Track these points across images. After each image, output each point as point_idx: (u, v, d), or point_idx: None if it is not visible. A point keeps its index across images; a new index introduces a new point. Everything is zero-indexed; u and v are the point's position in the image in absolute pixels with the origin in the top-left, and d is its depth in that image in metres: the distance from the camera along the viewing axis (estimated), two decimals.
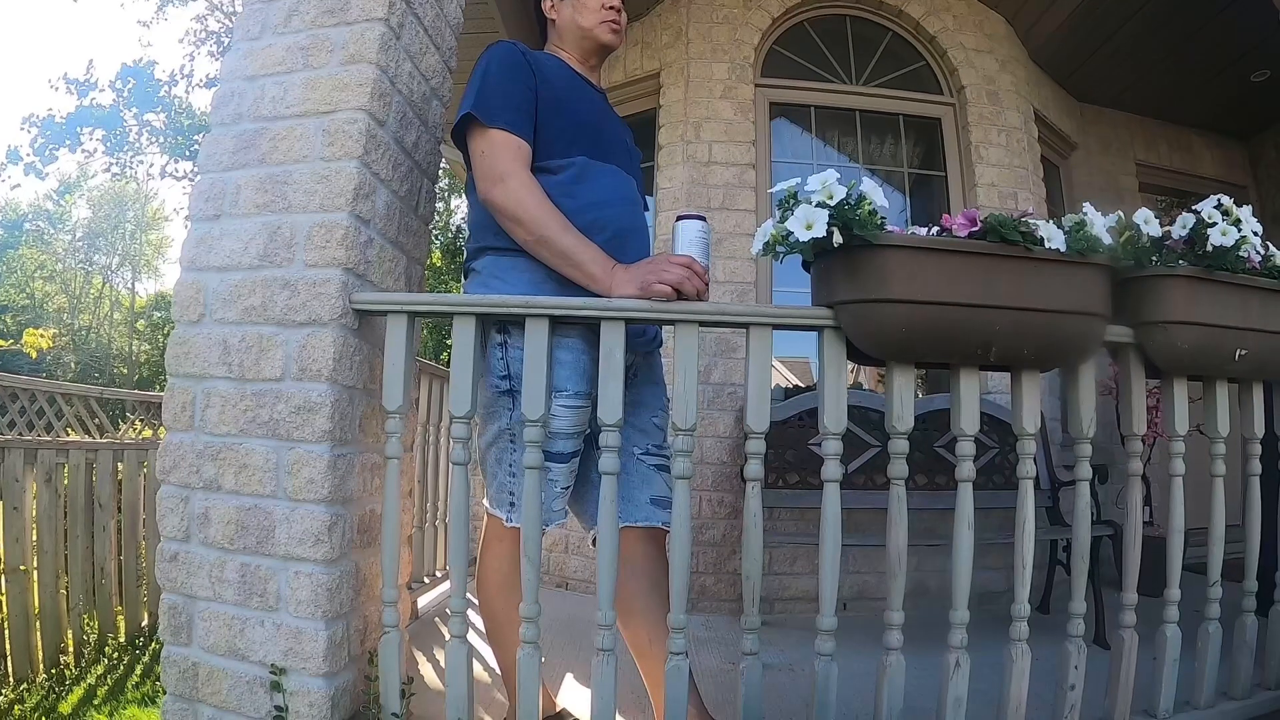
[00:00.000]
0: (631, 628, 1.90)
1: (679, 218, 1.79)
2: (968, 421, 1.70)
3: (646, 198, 3.88)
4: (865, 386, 4.43)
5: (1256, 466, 2.10)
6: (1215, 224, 1.80)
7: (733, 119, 4.02)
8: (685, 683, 1.67)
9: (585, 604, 1.74)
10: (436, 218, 9.96)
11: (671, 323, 1.70)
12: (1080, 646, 1.80)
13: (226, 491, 1.79)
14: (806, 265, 1.72)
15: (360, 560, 1.84)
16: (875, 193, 1.56)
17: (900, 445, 1.69)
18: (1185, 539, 2.00)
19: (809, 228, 1.53)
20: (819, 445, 3.27)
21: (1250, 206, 1.90)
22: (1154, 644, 1.95)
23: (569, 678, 2.54)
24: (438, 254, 9.75)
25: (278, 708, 1.70)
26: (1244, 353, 1.91)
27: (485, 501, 1.96)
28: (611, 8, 2.03)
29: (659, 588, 1.79)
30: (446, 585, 2.70)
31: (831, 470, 1.68)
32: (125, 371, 24.86)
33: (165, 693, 1.85)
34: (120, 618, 3.67)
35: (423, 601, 3.28)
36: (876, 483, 3.35)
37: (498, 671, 2.09)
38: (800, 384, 4.26)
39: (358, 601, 1.84)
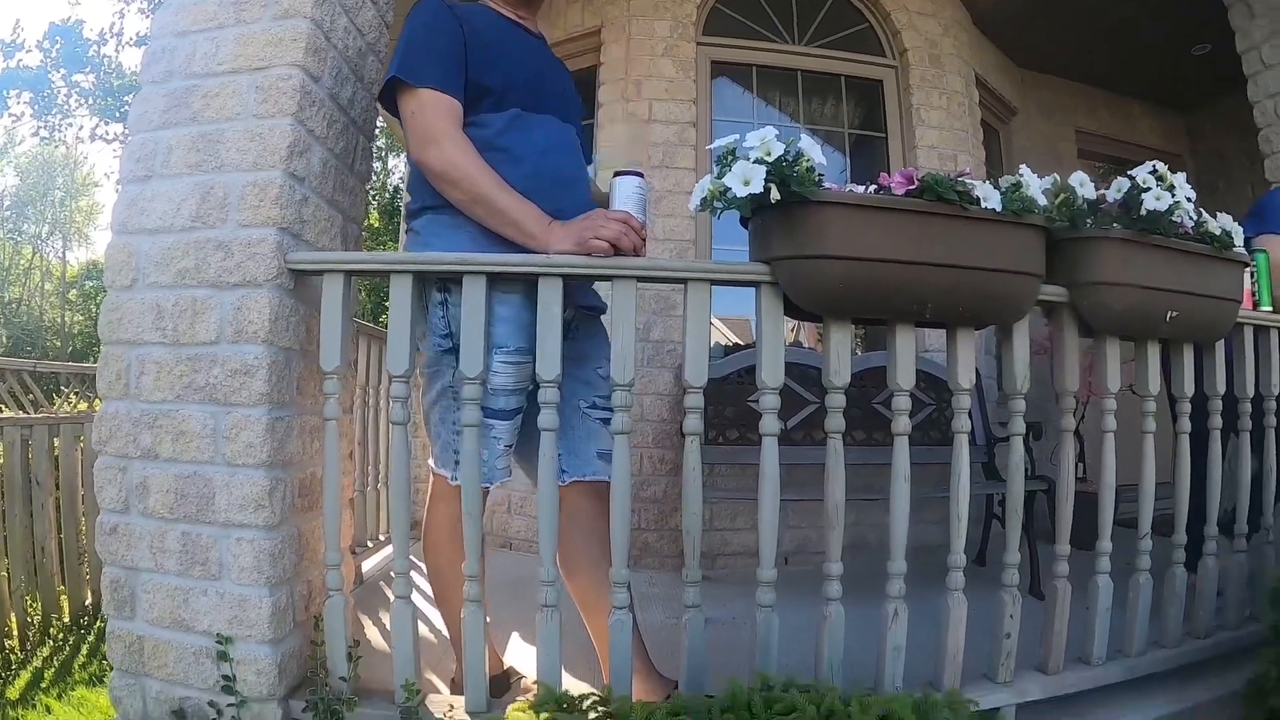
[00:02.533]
0: (576, 583, 1.92)
1: (616, 173, 1.78)
2: (904, 377, 1.72)
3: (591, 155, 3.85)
4: (805, 345, 4.46)
5: (1186, 425, 2.16)
6: (1150, 189, 1.83)
7: (674, 77, 3.99)
8: (629, 636, 1.69)
9: (530, 564, 1.75)
10: (375, 178, 9.79)
11: (609, 278, 1.70)
12: (1015, 596, 1.85)
13: (164, 459, 1.76)
14: (744, 222, 1.71)
15: (302, 525, 1.83)
16: (813, 150, 1.56)
17: (837, 400, 1.70)
18: (1117, 494, 2.05)
19: (746, 184, 1.53)
20: (758, 401, 3.33)
21: (1184, 174, 1.94)
22: (1087, 595, 2.00)
23: (515, 636, 2.55)
24: (375, 215, 9.56)
25: (225, 677, 1.69)
26: (1175, 315, 1.95)
27: (430, 461, 1.95)
28: None
29: (603, 543, 1.80)
30: (391, 548, 2.70)
31: (769, 424, 1.69)
32: (59, 344, 24.04)
33: (112, 669, 1.83)
34: (64, 597, 3.58)
35: (367, 566, 3.26)
36: (816, 439, 3.37)
37: (445, 634, 2.10)
38: (740, 342, 4.29)
39: (301, 566, 1.82)
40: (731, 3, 4.26)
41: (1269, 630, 1.99)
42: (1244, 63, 3.44)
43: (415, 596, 1.81)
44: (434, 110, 1.76)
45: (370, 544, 3.37)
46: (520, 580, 2.98)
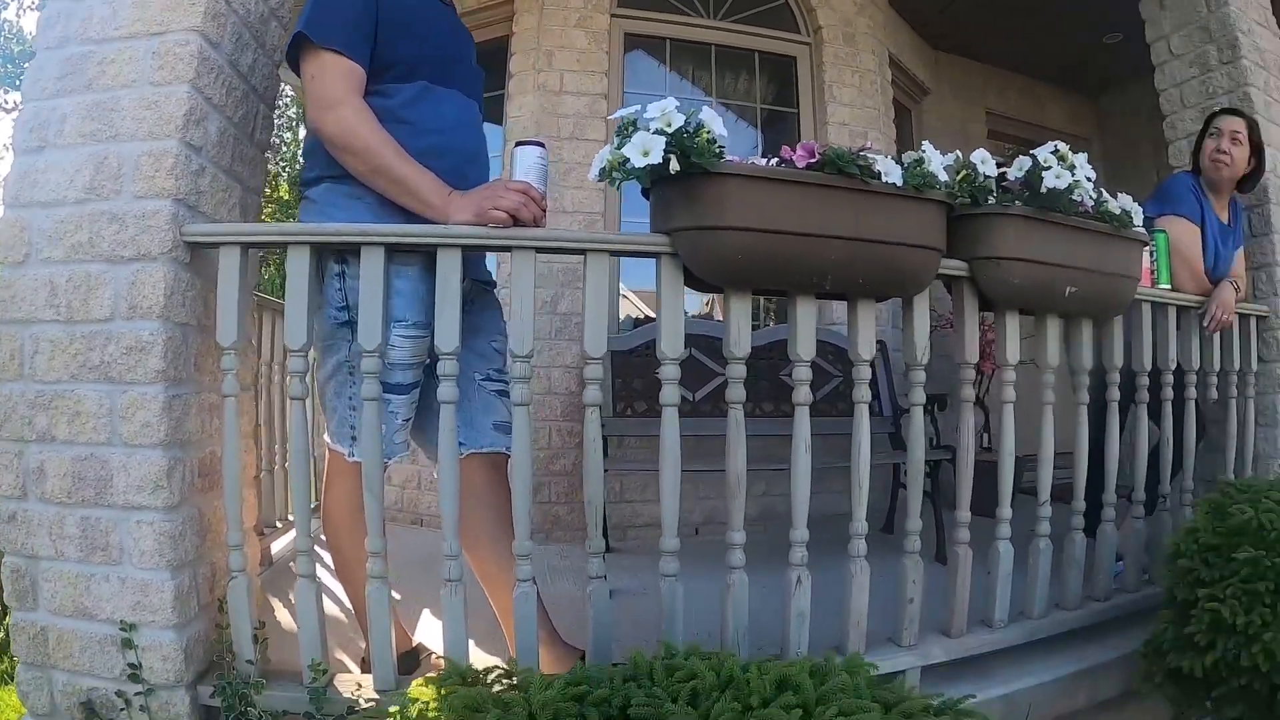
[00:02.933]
0: (479, 557, 1.92)
1: (517, 143, 1.78)
2: (804, 348, 1.75)
3: (497, 126, 3.82)
4: (717, 316, 4.47)
5: (1085, 396, 2.25)
6: (1051, 167, 1.89)
7: (586, 48, 3.97)
8: (534, 609, 1.70)
9: (440, 541, 1.75)
10: (284, 148, 9.48)
11: (508, 249, 1.69)
12: (916, 561, 1.91)
13: (61, 442, 1.70)
14: (645, 193, 1.72)
15: (203, 505, 1.79)
16: (714, 121, 1.57)
17: (737, 370, 1.73)
18: (1019, 463, 2.12)
19: (645, 154, 1.54)
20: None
21: (1085, 155, 2.01)
22: (989, 560, 2.07)
23: (425, 614, 2.54)
24: (284, 186, 9.25)
25: (131, 665, 1.66)
26: (1074, 290, 2.02)
27: (325, 437, 1.93)
28: None
29: (501, 516, 1.80)
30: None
31: (668, 395, 1.70)
32: None
33: (18, 663, 1.77)
34: None
35: (277, 546, 3.21)
36: (724, 410, 3.36)
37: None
38: (652, 314, 4.26)
39: (204, 548, 1.79)
40: None
41: (1166, 593, 2.08)
42: (1152, 52, 3.55)
43: (324, 575, 1.78)
44: (335, 74, 1.72)
45: (279, 524, 3.31)
46: (431, 557, 2.93)
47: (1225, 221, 2.99)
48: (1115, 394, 2.34)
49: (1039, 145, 1.94)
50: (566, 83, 3.91)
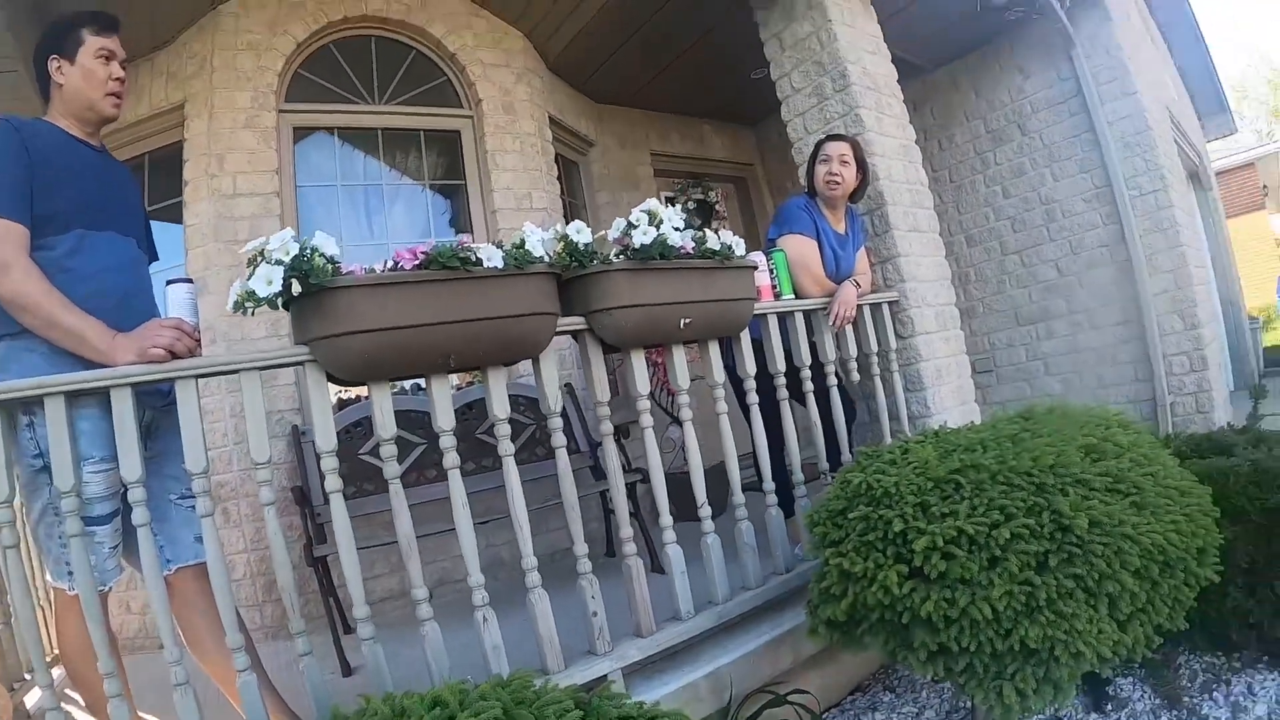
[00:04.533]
0: (210, 662, 2.05)
1: (168, 282, 1.93)
2: (444, 419, 2.00)
3: (178, 226, 3.80)
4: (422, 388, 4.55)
5: (723, 406, 2.64)
6: (638, 226, 2.25)
7: (256, 148, 3.96)
8: (256, 693, 1.83)
9: (186, 660, 1.83)
10: None
11: (171, 380, 1.82)
12: (591, 580, 2.18)
13: None
14: (286, 306, 1.87)
15: None
16: (327, 244, 1.78)
17: (389, 450, 1.95)
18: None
19: (269, 284, 1.73)
20: (370, 454, 3.44)
21: (677, 207, 2.40)
22: (669, 562, 2.39)
23: None
24: None
25: None
26: (688, 321, 2.40)
27: (47, 576, 1.98)
28: (117, 79, 2.11)
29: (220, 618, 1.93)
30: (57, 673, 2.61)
31: (332, 483, 1.90)
32: None
33: None
34: None
35: (30, 700, 3.06)
36: (428, 477, 3.56)
37: None
38: (358, 395, 4.22)
39: None
40: (314, 67, 4.30)
41: (810, 554, 2.44)
42: (777, 88, 4.10)
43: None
44: (2, 239, 1.82)
45: (28, 676, 3.14)
46: None
47: (842, 231, 3.48)
48: (753, 398, 2.76)
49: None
50: (240, 184, 3.88)
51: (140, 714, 2.16)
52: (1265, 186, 17.17)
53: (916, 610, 1.97)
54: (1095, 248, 5.33)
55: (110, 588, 1.98)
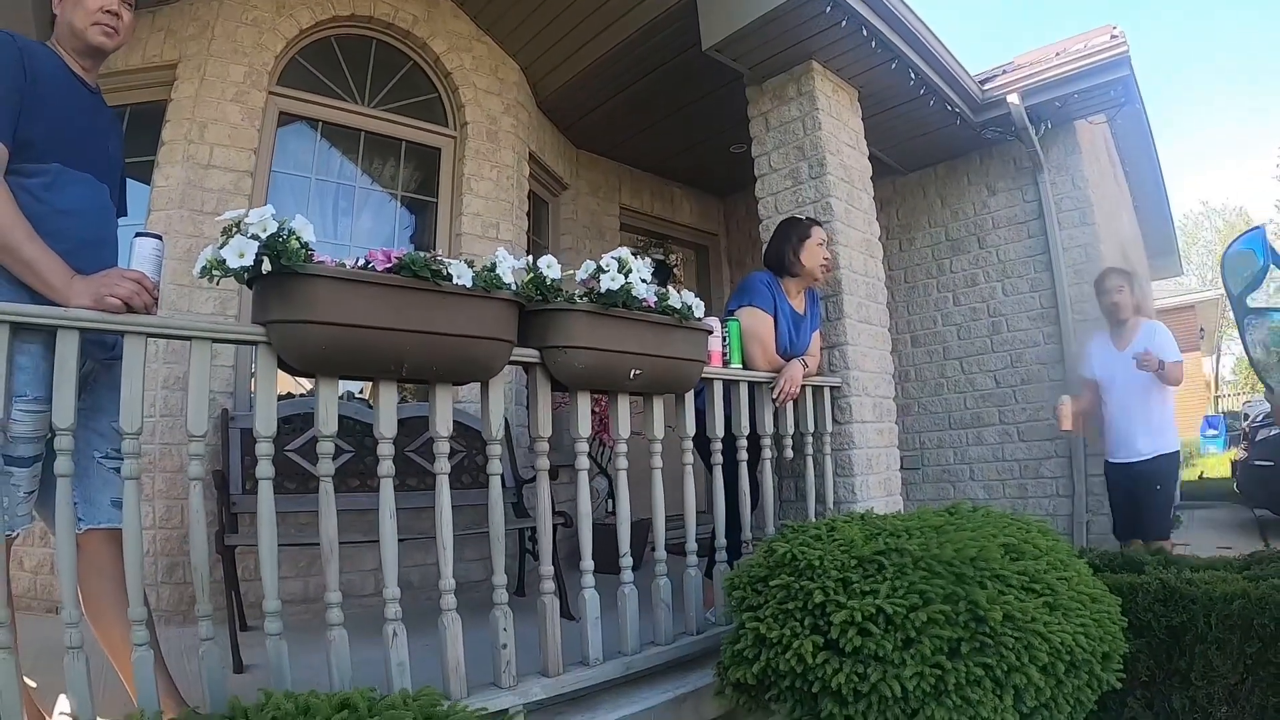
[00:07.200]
0: (104, 629, 1.96)
1: (137, 234, 1.89)
2: (386, 426, 1.99)
3: (145, 186, 3.74)
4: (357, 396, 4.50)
5: (658, 461, 2.67)
6: (608, 271, 2.30)
7: (239, 124, 3.95)
8: (150, 670, 1.75)
9: (84, 627, 1.75)
10: None
11: (121, 333, 1.78)
12: (506, 612, 2.17)
13: None
14: (249, 284, 1.86)
15: None
16: (305, 228, 1.78)
17: (326, 447, 1.92)
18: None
19: (241, 256, 1.71)
20: (296, 452, 3.37)
21: (646, 260, 2.45)
22: (584, 608, 2.39)
23: (61, 699, 2.40)
24: None
25: None
26: (638, 373, 2.44)
27: None
28: (108, 10, 2.06)
29: (124, 588, 1.86)
30: None
31: (263, 469, 1.86)
32: None
33: None
34: None
35: None
36: (350, 485, 3.54)
37: None
38: (293, 391, 4.14)
39: None
40: (312, 56, 4.33)
41: (728, 619, 2.48)
42: (755, 165, 4.25)
43: None
44: None
45: None
46: None
47: (801, 311, 3.59)
48: (689, 458, 2.81)
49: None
50: (216, 157, 3.86)
51: None
52: (1202, 330, 18.07)
53: (828, 681, 2.01)
54: (1034, 364, 5.54)
55: (18, 534, 1.89)
